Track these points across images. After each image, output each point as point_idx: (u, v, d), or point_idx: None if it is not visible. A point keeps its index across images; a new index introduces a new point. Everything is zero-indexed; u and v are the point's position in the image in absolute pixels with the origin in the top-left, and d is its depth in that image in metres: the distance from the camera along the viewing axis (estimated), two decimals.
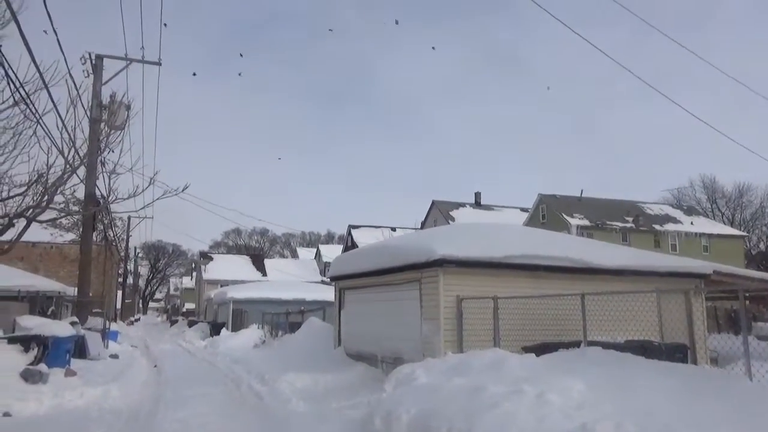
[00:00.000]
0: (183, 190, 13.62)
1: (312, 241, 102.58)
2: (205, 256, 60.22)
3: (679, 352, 10.45)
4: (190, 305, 64.07)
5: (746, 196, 56.46)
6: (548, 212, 43.93)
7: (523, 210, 51.35)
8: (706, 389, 5.77)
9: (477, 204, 54.66)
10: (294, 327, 20.86)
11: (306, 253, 77.09)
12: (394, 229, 57.64)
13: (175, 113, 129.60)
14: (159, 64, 18.16)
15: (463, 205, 53.84)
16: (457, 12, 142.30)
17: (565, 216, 41.67)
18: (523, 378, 5.70)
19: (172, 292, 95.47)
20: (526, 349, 9.48)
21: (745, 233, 49.84)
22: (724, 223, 51.56)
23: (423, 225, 54.57)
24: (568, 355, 7.36)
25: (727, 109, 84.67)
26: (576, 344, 9.27)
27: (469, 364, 6.64)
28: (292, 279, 46.06)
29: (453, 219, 49.91)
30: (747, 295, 23.07)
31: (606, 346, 8.50)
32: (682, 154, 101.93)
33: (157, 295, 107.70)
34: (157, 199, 15.81)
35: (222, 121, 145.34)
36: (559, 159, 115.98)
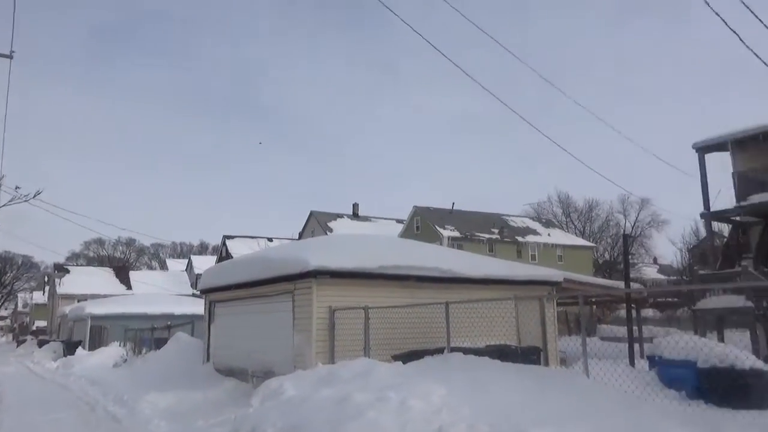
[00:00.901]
0: (34, 196, 12.44)
1: (183, 252, 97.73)
2: (61, 269, 55.04)
3: (533, 354, 11.32)
4: (41, 323, 58.11)
5: (595, 210, 62.67)
6: (422, 224, 45.58)
7: (399, 221, 52.81)
8: (552, 387, 6.30)
9: (355, 215, 55.35)
10: (160, 343, 19.70)
11: (176, 265, 73.19)
12: (270, 240, 56.62)
13: (43, 117, 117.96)
14: (10, 57, 16.39)
15: (341, 216, 54.25)
16: (344, 21, 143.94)
17: (437, 227, 43.48)
18: (389, 386, 5.86)
19: (20, 308, 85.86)
20: (395, 357, 9.74)
21: (593, 244, 55.17)
22: (576, 235, 56.72)
23: (301, 236, 54.16)
24: (433, 362, 7.68)
25: (578, 131, 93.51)
26: (441, 351, 9.71)
27: (338, 375, 6.70)
28: (160, 292, 43.44)
29: (331, 230, 50.10)
30: (593, 300, 25.41)
31: (468, 351, 9.00)
32: (542, 171, 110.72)
33: (2, 313, 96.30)
34: (3, 205, 14.27)
35: (93, 128, 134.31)
36: (435, 172, 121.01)
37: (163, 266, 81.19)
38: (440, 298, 10.70)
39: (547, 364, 12.23)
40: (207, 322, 15.48)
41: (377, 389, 5.68)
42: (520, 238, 46.42)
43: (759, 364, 9.45)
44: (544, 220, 55.81)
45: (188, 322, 21.92)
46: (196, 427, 8.62)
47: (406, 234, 43.50)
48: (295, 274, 11.31)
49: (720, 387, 8.73)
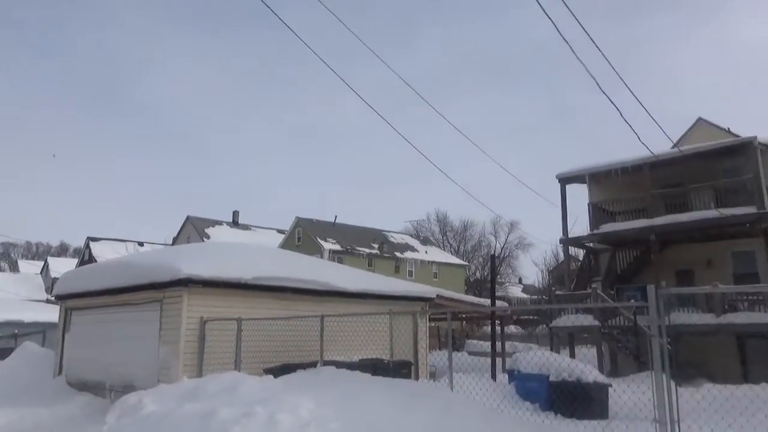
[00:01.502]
0: None
1: (40, 253, 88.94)
2: None
3: (404, 368, 11.67)
4: None
5: (469, 230, 66.11)
6: (304, 235, 45.28)
7: (280, 231, 52.05)
8: (419, 401, 6.53)
9: (234, 223, 53.68)
10: (4, 354, 17.68)
11: (30, 267, 66.29)
12: (141, 244, 53.21)
13: None
14: None
15: (219, 223, 52.34)
16: (233, 22, 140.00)
17: (319, 240, 43.41)
18: (257, 400, 5.74)
19: None
20: (267, 371, 9.58)
21: (466, 263, 58.03)
22: (451, 254, 59.35)
23: (175, 242, 51.47)
24: (305, 375, 7.65)
25: (458, 153, 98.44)
26: (315, 364, 9.70)
27: (204, 389, 6.45)
28: (8, 297, 39.06)
29: (208, 237, 48.16)
30: (463, 316, 26.59)
31: (341, 365, 9.07)
32: (423, 190, 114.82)
33: None
34: None
35: None
36: (319, 184, 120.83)
37: (14, 268, 73.16)
38: (317, 311, 10.70)
39: (417, 378, 12.64)
40: (61, 331, 14.19)
41: (245, 404, 5.54)
42: (398, 254, 47.64)
43: (601, 378, 10.48)
44: (422, 238, 57.81)
45: (39, 331, 19.93)
46: None
47: (287, 245, 42.95)
48: (165, 281, 10.74)
49: (568, 399, 9.56)
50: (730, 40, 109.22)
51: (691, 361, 16.05)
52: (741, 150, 17.99)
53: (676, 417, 4.90)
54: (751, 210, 17.00)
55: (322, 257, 37.39)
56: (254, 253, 14.81)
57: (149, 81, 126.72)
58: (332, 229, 46.60)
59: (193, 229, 49.86)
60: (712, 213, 17.62)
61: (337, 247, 43.43)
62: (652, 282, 9.33)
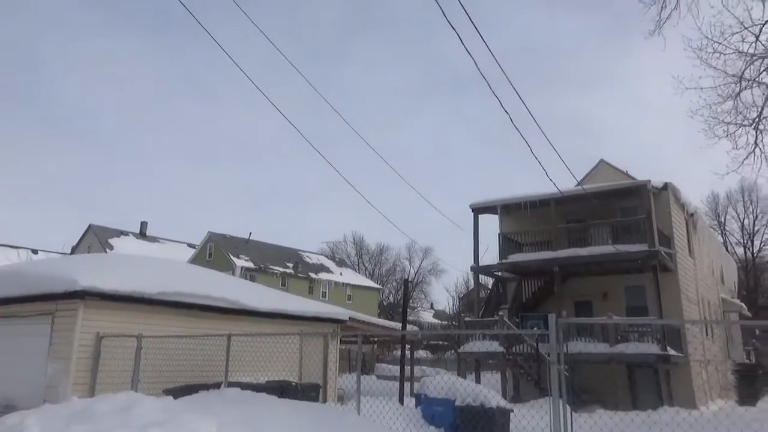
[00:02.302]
0: None
1: None
2: None
3: (313, 391, 11.51)
4: None
5: (385, 254, 66.78)
6: (216, 251, 43.89)
7: (191, 246, 50.17)
8: (325, 424, 6.45)
9: (142, 234, 51.17)
10: None
11: None
12: (36, 252, 49.35)
13: None
14: None
15: (125, 233, 49.70)
16: (163, 27, 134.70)
17: (232, 256, 42.22)
18: (154, 422, 5.43)
19: None
20: (167, 392, 9.11)
21: (380, 286, 58.46)
22: (366, 276, 59.61)
23: (74, 251, 48.24)
24: (207, 396, 7.35)
25: (376, 174, 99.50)
26: (219, 386, 9.35)
27: (95, 410, 6.01)
28: None
29: (112, 248, 45.54)
30: (374, 339, 26.53)
31: (246, 386, 8.80)
32: (339, 212, 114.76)
33: None
34: None
35: None
36: (234, 198, 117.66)
37: None
38: (225, 329, 10.35)
39: (325, 400, 12.48)
40: None
41: (140, 426, 5.22)
42: (313, 275, 47.21)
43: (504, 403, 10.82)
44: (337, 259, 57.67)
45: None
46: None
47: (197, 260, 41.43)
48: (59, 293, 10.00)
49: (472, 423, 9.79)
50: (632, 88, 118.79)
51: (586, 388, 16.96)
52: (636, 192, 19.46)
53: None
54: (643, 247, 18.36)
55: (234, 274, 36.34)
56: (160, 266, 14.16)
57: (56, 69, 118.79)
58: (246, 246, 45.52)
59: (96, 239, 47.00)
60: (608, 248, 18.86)
61: (251, 264, 42.42)
62: (555, 311, 9.80)
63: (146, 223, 51.90)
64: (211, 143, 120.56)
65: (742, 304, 31.39)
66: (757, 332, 31.24)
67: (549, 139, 9.89)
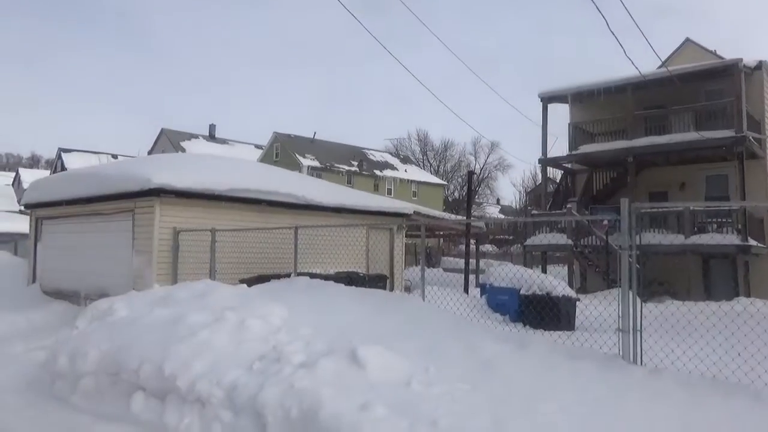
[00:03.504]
0: None
1: (11, 164, 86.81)
2: None
3: (380, 281, 11.86)
4: None
5: (449, 150, 65.83)
6: (282, 151, 44.67)
7: (258, 147, 51.24)
8: (391, 310, 6.63)
9: (211, 137, 52.60)
10: None
11: (1, 179, 64.85)
12: (115, 157, 52.06)
13: None
14: None
15: (195, 136, 51.24)
16: None
17: (297, 156, 42.91)
18: (229, 306, 5.75)
19: None
20: (242, 281, 9.62)
21: (445, 182, 58.26)
22: (431, 173, 59.40)
23: (149, 154, 50.46)
24: (278, 285, 7.69)
25: (443, 72, 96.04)
26: (290, 276, 9.76)
27: (175, 296, 6.44)
28: None
29: (184, 150, 47.24)
30: (440, 233, 26.87)
31: (316, 276, 9.13)
32: (403, 109, 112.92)
33: None
34: None
35: None
36: (298, 99, 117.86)
37: None
38: (294, 223, 10.64)
39: (392, 290, 12.90)
40: (33, 240, 14.02)
41: (216, 310, 5.55)
42: (378, 172, 47.49)
43: (570, 292, 10.78)
44: (402, 156, 57.49)
45: (9, 240, 19.71)
46: (15, 351, 7.90)
47: (264, 160, 42.42)
48: (136, 191, 10.53)
49: (537, 311, 9.85)
50: None
51: (658, 279, 16.61)
52: (725, 72, 17.77)
53: (638, 327, 5.03)
54: (729, 134, 17.05)
55: (300, 173, 37.11)
56: (230, 165, 14.52)
57: None
58: (311, 146, 46.00)
59: (168, 143, 48.82)
60: (691, 135, 17.64)
61: (316, 163, 43.06)
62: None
63: (215, 125, 53.16)
64: (274, 46, 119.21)
65: None
66: None
67: (630, 13, 8.97)
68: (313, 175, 38.67)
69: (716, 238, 16.07)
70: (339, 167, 44.37)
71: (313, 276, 9.02)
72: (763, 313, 8.85)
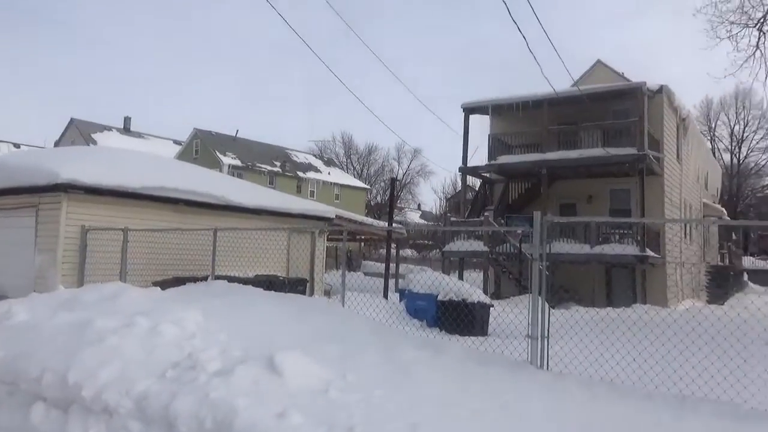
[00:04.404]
0: None
1: None
2: None
3: (300, 285, 11.80)
4: None
5: (373, 155, 66.41)
6: (202, 148, 43.32)
7: (177, 142, 49.37)
8: (311, 315, 6.62)
9: (126, 130, 50.06)
10: None
11: None
12: (18, 146, 48.44)
13: None
14: None
15: (109, 128, 48.59)
16: None
17: (218, 154, 41.76)
18: (140, 311, 5.53)
19: None
20: (156, 284, 9.26)
21: (368, 186, 58.64)
22: (354, 176, 59.60)
23: (57, 145, 47.32)
24: (195, 288, 7.47)
25: (367, 74, 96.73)
26: (207, 279, 9.51)
27: (82, 299, 6.10)
28: None
29: (95, 143, 44.68)
30: (362, 238, 27.02)
31: (234, 280, 8.96)
32: (329, 110, 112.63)
33: None
34: None
35: None
36: (220, 95, 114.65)
37: None
38: (212, 225, 10.37)
39: (312, 294, 12.84)
40: None
41: (126, 314, 5.32)
42: (301, 174, 47.08)
43: (485, 298, 11.18)
44: (326, 159, 57.33)
45: None
46: None
47: (183, 157, 40.93)
48: (42, 186, 9.88)
49: (453, 317, 10.15)
50: None
51: (565, 286, 17.56)
52: (630, 94, 19.11)
53: (546, 333, 5.32)
54: (632, 151, 18.33)
55: (221, 172, 36.12)
56: (145, 161, 13.95)
57: None
58: (233, 144, 44.91)
59: (78, 134, 46.02)
60: (598, 151, 18.81)
61: (238, 162, 42.07)
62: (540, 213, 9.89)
63: (130, 118, 50.64)
64: (198, 38, 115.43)
65: (723, 209, 32.07)
66: (734, 235, 32.18)
67: (547, 34, 9.47)
68: (234, 175, 37.73)
69: (618, 249, 17.25)
70: (261, 167, 43.58)
71: (231, 279, 8.85)
72: (655, 321, 9.58)
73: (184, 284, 8.80)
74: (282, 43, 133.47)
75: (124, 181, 10.55)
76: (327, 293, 15.64)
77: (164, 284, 9.11)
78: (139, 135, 50.20)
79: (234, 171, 40.10)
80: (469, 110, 21.99)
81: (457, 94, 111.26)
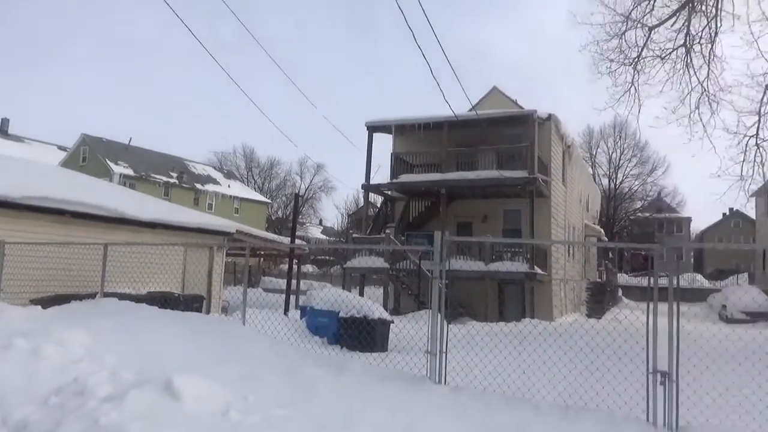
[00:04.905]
0: None
1: None
2: None
3: (196, 302, 11.38)
4: None
5: (275, 168, 65.53)
6: (91, 155, 40.62)
7: (62, 148, 45.92)
8: (209, 334, 6.42)
9: (3, 132, 45.84)
10: None
11: None
12: None
13: None
14: None
15: None
16: None
17: (109, 162, 39.34)
18: (19, 332, 5.10)
19: None
20: (35, 302, 8.56)
21: (269, 200, 57.66)
22: (255, 190, 58.40)
23: None
24: (81, 306, 7.01)
25: (269, 84, 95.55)
26: (94, 296, 8.93)
27: None
28: None
29: None
30: (261, 253, 26.48)
31: (126, 297, 8.48)
32: (231, 122, 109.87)
33: None
34: None
35: None
36: (112, 100, 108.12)
37: None
38: (102, 239, 9.76)
39: (209, 312, 12.39)
40: None
41: (2, 336, 4.89)
42: (199, 186, 45.45)
43: (385, 314, 11.37)
44: (226, 171, 55.78)
45: None
46: None
47: (69, 164, 38.11)
48: None
49: (354, 333, 10.23)
50: (530, 18, 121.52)
51: (460, 302, 18.25)
52: (523, 120, 20.38)
53: (444, 348, 5.54)
54: (523, 174, 19.52)
55: (111, 182, 34.01)
56: (26, 168, 12.88)
57: None
58: (125, 152, 42.50)
59: None
60: (493, 173, 19.85)
61: (130, 172, 39.86)
62: (438, 231, 10.27)
63: (8, 120, 46.43)
64: (90, 38, 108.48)
65: (601, 230, 34.87)
66: (610, 254, 35.03)
67: (448, 60, 9.92)
68: (126, 185, 35.68)
69: (510, 266, 18.21)
70: (156, 178, 41.57)
71: (122, 297, 8.37)
72: (543, 334, 10.21)
73: (68, 302, 8.22)
74: (183, 47, 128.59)
75: (2, 190, 9.68)
76: (224, 310, 15.18)
77: (44, 302, 8.45)
78: (18, 138, 46.11)
79: (126, 181, 37.94)
80: (373, 128, 22.40)
81: (361, 113, 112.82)
